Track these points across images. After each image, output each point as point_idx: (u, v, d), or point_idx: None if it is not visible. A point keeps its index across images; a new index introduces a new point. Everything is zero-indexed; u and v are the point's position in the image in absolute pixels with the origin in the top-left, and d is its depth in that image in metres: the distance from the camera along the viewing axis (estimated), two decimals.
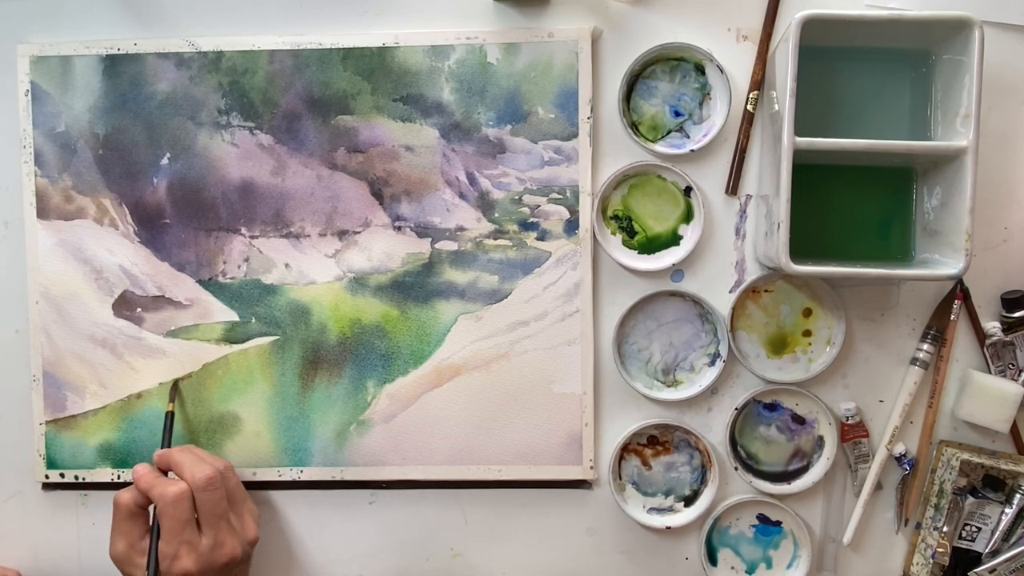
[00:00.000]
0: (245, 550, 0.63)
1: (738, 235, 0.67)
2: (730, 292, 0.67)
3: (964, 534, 0.66)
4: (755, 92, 0.66)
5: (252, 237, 0.69)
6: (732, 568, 0.69)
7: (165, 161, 0.69)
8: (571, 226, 0.67)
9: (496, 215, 0.68)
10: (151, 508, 0.62)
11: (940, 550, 0.65)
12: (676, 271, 0.68)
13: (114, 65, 0.68)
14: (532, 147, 0.67)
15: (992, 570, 0.64)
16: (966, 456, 0.65)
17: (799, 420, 0.68)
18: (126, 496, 0.63)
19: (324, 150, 0.68)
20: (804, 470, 0.68)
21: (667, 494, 0.68)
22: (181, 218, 0.69)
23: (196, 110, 0.68)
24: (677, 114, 0.67)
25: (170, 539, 0.60)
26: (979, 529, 0.65)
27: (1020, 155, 0.66)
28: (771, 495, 0.67)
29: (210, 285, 0.69)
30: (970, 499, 0.65)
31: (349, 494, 0.69)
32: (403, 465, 0.69)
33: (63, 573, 0.71)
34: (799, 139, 0.59)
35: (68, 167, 0.69)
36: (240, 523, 0.63)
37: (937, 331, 0.66)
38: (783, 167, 0.59)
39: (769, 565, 0.68)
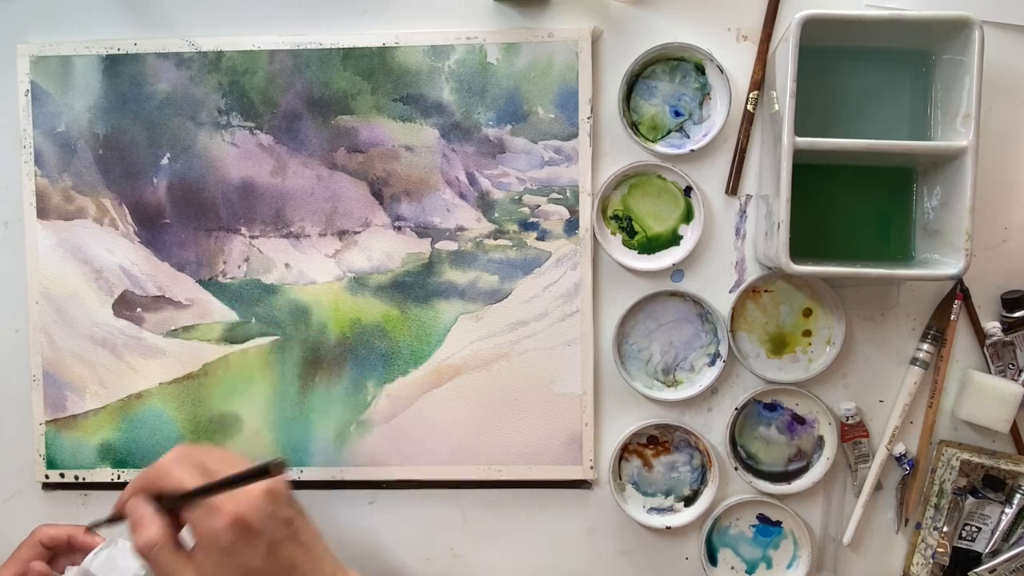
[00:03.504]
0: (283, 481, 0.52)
1: (738, 235, 0.67)
2: (730, 292, 0.67)
3: (964, 534, 0.66)
4: (755, 92, 0.66)
5: (252, 237, 0.69)
6: (732, 568, 0.69)
7: (165, 161, 0.69)
8: (571, 226, 0.67)
9: (496, 215, 0.68)
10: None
11: (940, 550, 0.65)
12: (676, 271, 0.68)
13: (114, 65, 0.68)
14: (532, 147, 0.67)
15: (992, 570, 0.64)
16: (966, 456, 0.65)
17: (799, 420, 0.68)
18: (155, 530, 0.51)
19: (324, 150, 0.68)
20: (804, 470, 0.68)
21: (667, 494, 0.68)
22: (181, 218, 0.69)
23: (196, 110, 0.68)
24: (677, 114, 0.67)
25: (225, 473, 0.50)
26: (979, 529, 0.65)
27: (1020, 155, 0.66)
28: (771, 495, 0.67)
29: (210, 285, 0.69)
30: (970, 499, 0.65)
31: (349, 494, 0.69)
32: (403, 465, 0.69)
33: None
34: (799, 139, 0.59)
35: (68, 167, 0.69)
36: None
37: (937, 331, 0.66)
38: (783, 167, 0.59)
39: (769, 565, 0.68)
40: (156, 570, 0.51)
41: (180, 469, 0.51)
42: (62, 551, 0.64)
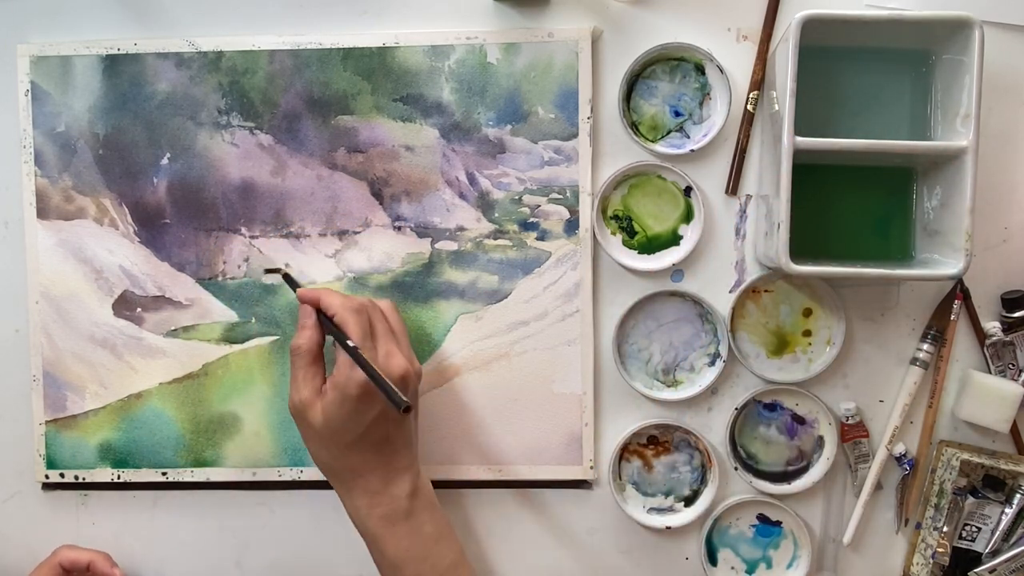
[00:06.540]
0: (417, 371, 0.61)
1: (738, 235, 0.67)
2: (730, 292, 0.67)
3: (964, 534, 0.66)
4: (755, 92, 0.66)
5: (252, 237, 0.69)
6: (732, 568, 0.69)
7: (165, 161, 0.69)
8: (571, 226, 0.67)
9: (496, 215, 0.68)
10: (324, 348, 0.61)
11: (940, 550, 0.65)
12: (676, 271, 0.68)
13: (114, 65, 0.68)
14: (532, 147, 0.67)
15: (992, 570, 0.64)
16: (966, 456, 0.65)
17: (799, 420, 0.68)
18: (305, 340, 0.60)
19: (324, 150, 0.68)
20: (804, 470, 0.68)
21: (667, 494, 0.68)
22: (181, 218, 0.69)
23: (196, 110, 0.68)
24: (677, 114, 0.67)
25: (382, 341, 0.59)
26: (979, 529, 0.65)
27: (1020, 155, 0.66)
28: (771, 495, 0.67)
29: (210, 285, 0.69)
30: (970, 499, 0.65)
31: None
32: None
33: None
34: (799, 139, 0.59)
35: (68, 167, 0.69)
36: (407, 351, 0.61)
37: (937, 331, 0.66)
38: (783, 167, 0.59)
39: (769, 565, 0.68)
40: (292, 368, 0.60)
41: (353, 317, 0.59)
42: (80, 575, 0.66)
